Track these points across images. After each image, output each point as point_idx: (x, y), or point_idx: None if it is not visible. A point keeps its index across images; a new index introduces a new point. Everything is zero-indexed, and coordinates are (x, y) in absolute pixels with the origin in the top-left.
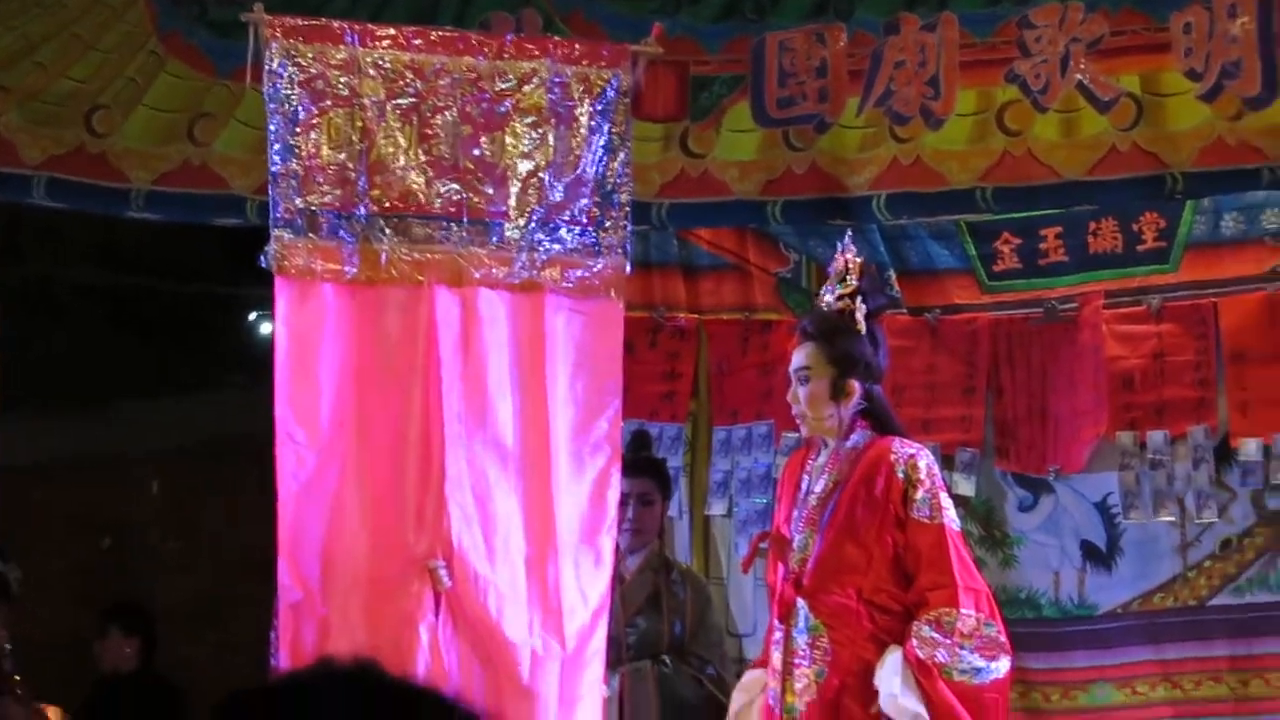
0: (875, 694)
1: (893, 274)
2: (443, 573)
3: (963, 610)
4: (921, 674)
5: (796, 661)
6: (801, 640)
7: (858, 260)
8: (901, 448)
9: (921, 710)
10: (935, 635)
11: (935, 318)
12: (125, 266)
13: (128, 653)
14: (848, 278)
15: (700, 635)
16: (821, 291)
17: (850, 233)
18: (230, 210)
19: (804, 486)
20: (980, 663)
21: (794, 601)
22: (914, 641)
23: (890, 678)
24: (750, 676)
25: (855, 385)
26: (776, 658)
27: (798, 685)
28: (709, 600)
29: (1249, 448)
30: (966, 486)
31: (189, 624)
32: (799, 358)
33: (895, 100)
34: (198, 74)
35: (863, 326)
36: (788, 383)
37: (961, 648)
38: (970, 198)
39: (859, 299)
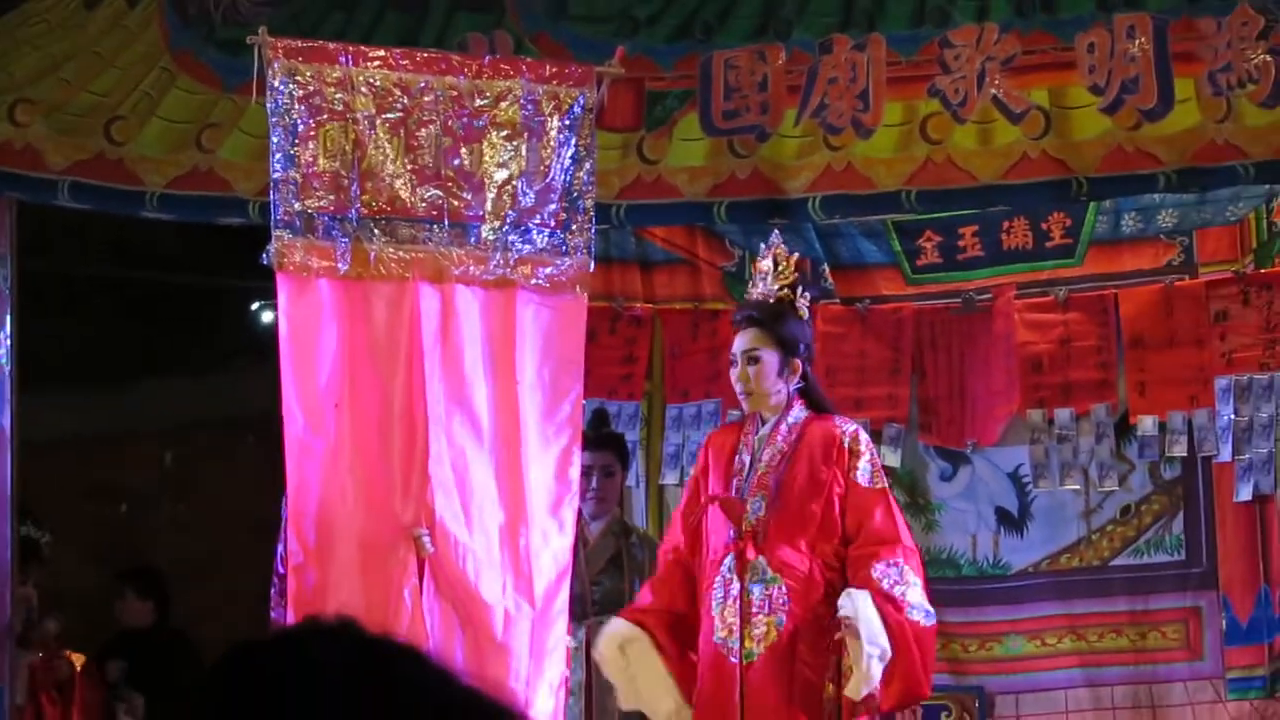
0: (824, 637)
1: (826, 268)
2: (426, 540)
3: (907, 563)
4: (890, 605)
5: (754, 612)
6: (759, 592)
7: (792, 255)
8: (844, 424)
9: (888, 645)
10: (894, 577)
11: (865, 307)
12: (139, 261)
13: (142, 612)
14: (783, 270)
15: None
16: (754, 283)
17: (777, 230)
18: (234, 211)
19: (742, 457)
20: (929, 607)
21: (752, 558)
22: (876, 580)
23: (866, 611)
24: (624, 632)
25: (799, 364)
26: (730, 610)
27: (756, 632)
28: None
29: (1146, 424)
30: (893, 458)
31: (195, 579)
32: (746, 340)
33: (829, 112)
34: (206, 88)
35: (805, 313)
36: (732, 365)
37: (914, 590)
38: (896, 199)
39: (799, 289)
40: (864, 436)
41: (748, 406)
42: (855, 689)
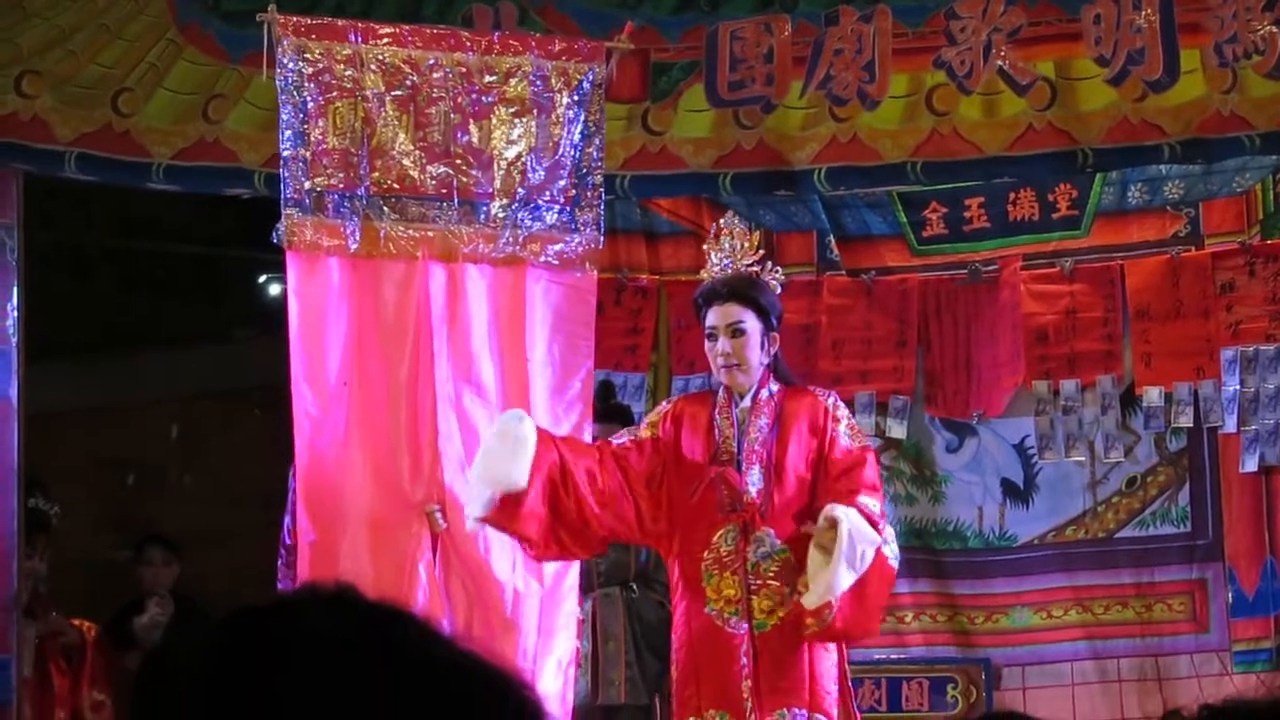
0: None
1: (832, 239)
2: (438, 516)
3: (882, 509)
4: (874, 529)
5: (764, 583)
6: (768, 564)
7: (753, 231)
8: (822, 393)
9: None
10: (876, 512)
11: (871, 279)
12: (146, 233)
13: (164, 575)
14: (745, 246)
15: (662, 564)
16: (716, 260)
17: (732, 211)
18: (240, 181)
19: (722, 430)
20: (898, 553)
21: (758, 530)
22: (862, 506)
23: (855, 519)
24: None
25: (776, 337)
26: (729, 582)
27: (765, 604)
28: None
29: (1152, 395)
30: (899, 430)
31: (201, 550)
32: (730, 313)
33: (835, 84)
34: (212, 60)
35: (778, 286)
36: (710, 339)
37: (890, 532)
38: (901, 171)
39: (769, 263)
40: (841, 403)
41: (730, 380)
42: (814, 596)
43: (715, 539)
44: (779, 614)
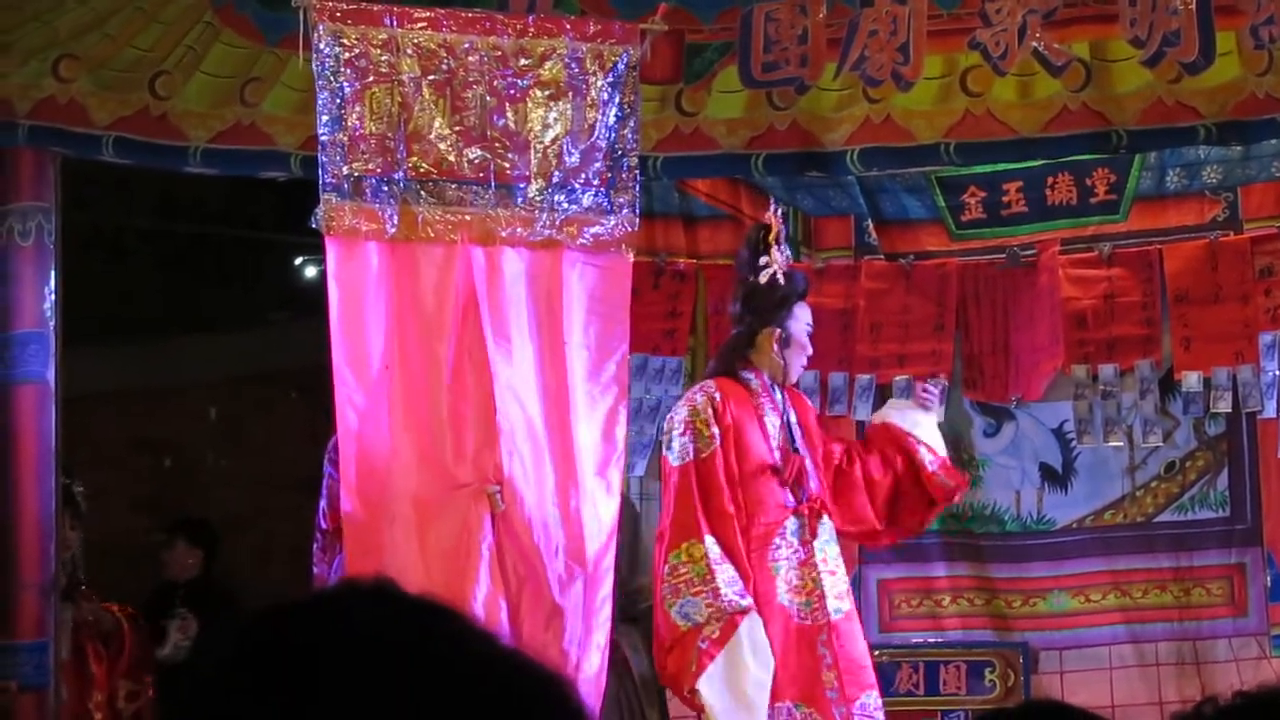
0: None
1: (870, 224)
2: (499, 497)
3: None
4: None
5: (830, 570)
6: (831, 551)
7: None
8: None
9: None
10: None
11: (909, 263)
12: (183, 215)
13: (191, 562)
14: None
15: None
16: (781, 251)
17: (775, 199)
18: (276, 164)
19: (772, 419)
20: None
21: (820, 518)
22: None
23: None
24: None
25: None
26: (801, 572)
27: (836, 590)
28: (638, 518)
29: (1190, 380)
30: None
31: (236, 533)
32: (812, 315)
33: (869, 65)
34: (249, 43)
35: None
36: (810, 332)
37: None
38: (934, 152)
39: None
40: None
41: (794, 377)
42: (941, 450)
43: (783, 530)
44: (850, 599)
